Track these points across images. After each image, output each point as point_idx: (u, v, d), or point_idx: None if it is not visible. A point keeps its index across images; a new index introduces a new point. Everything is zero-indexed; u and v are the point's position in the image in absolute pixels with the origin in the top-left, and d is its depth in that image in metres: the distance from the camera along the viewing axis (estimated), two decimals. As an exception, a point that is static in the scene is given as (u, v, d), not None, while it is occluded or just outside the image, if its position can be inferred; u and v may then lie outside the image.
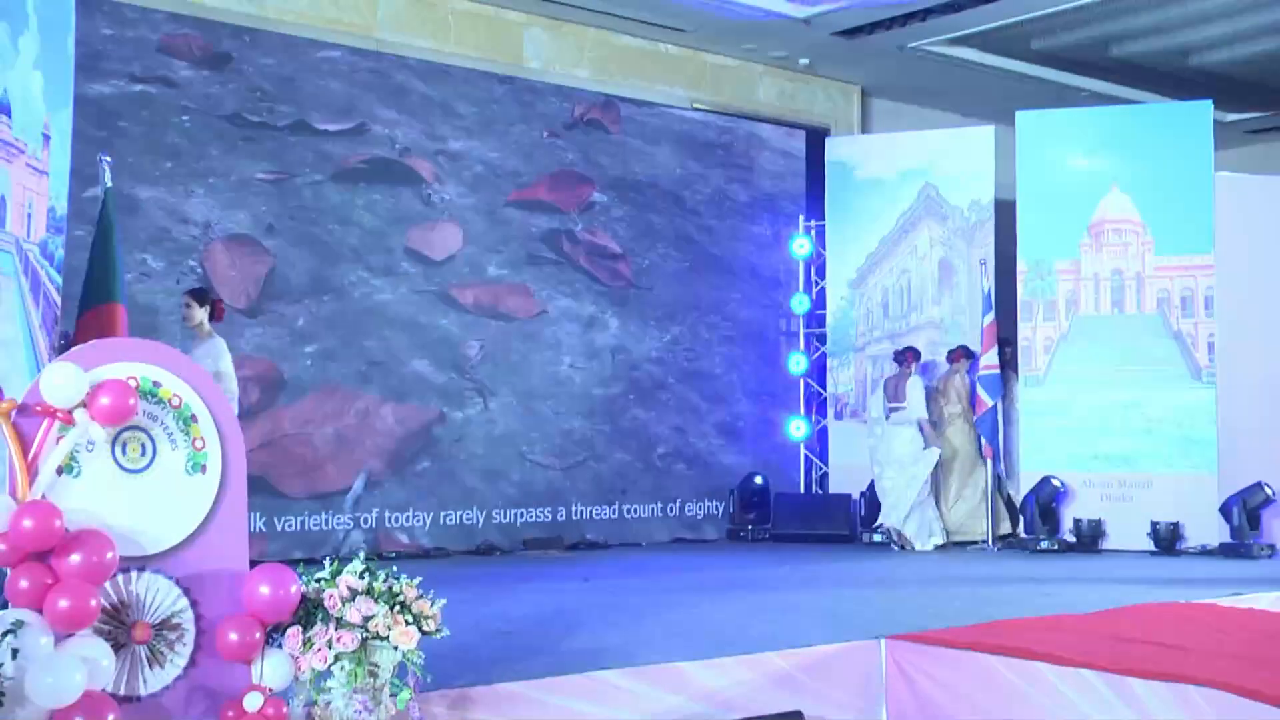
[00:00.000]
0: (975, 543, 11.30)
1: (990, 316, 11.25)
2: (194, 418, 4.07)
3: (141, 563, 3.93)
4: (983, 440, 11.18)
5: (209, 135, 9.59)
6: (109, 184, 7.05)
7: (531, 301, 11.11)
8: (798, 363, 12.60)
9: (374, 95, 10.35)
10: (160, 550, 3.96)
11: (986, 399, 11.12)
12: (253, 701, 3.94)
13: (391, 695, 4.08)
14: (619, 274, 11.67)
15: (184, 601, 3.98)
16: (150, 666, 3.92)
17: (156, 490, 3.97)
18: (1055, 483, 11.00)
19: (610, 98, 11.68)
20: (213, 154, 9.60)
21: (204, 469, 4.06)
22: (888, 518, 11.17)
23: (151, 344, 4.17)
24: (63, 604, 3.64)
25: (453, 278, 10.65)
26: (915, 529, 11.08)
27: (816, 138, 12.96)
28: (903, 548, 11.01)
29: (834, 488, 12.32)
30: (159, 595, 3.95)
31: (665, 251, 11.99)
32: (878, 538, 11.33)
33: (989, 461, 11.30)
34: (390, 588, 4.14)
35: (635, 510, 11.51)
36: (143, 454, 3.98)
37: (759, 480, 12.09)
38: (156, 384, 4.01)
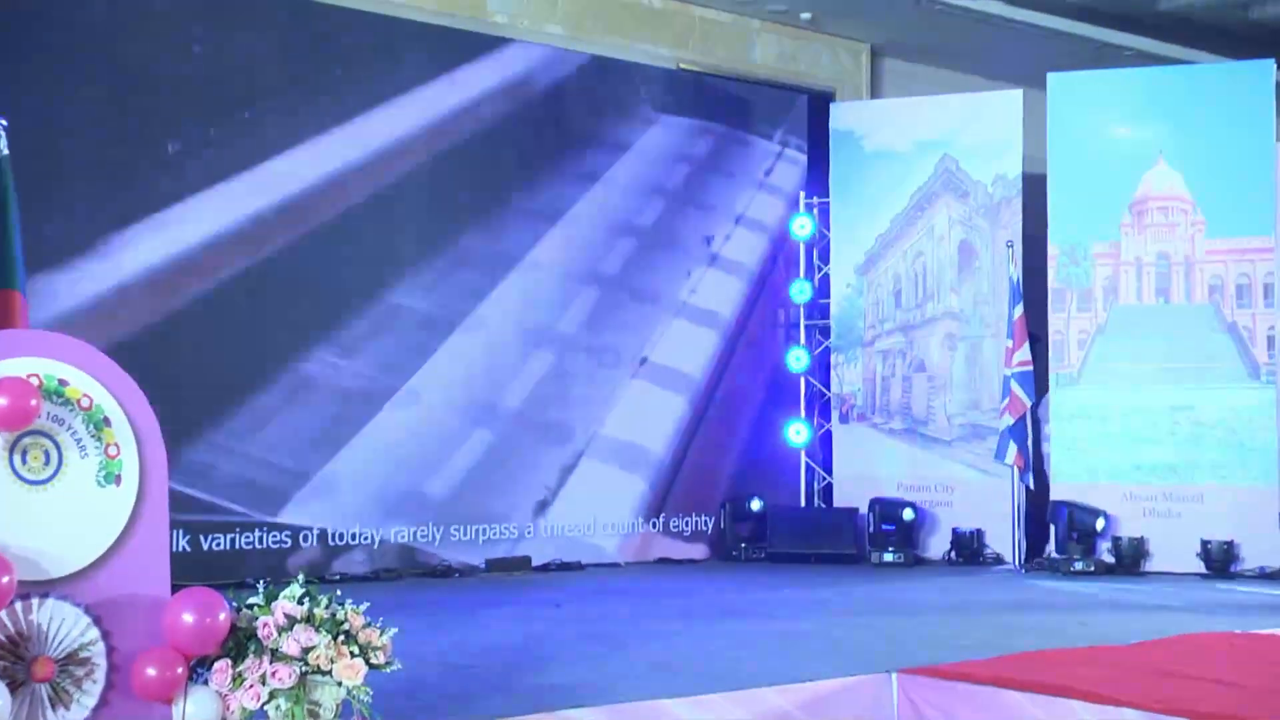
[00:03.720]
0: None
1: (1020, 308, 11.27)
2: (107, 421, 4.04)
3: (44, 588, 3.91)
4: (1013, 447, 11.17)
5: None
6: (4, 151, 6.98)
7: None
8: (798, 359, 12.61)
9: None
10: (66, 573, 3.94)
11: (1024, 398, 11.13)
12: (174, 746, 3.93)
13: (334, 738, 4.07)
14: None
15: (94, 632, 3.96)
16: (54, 708, 3.90)
17: (62, 504, 3.95)
18: (1099, 522, 11.03)
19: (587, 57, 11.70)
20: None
21: (118, 480, 4.04)
22: None
23: (58, 337, 4.14)
24: (-47, 635, 3.62)
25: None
26: None
27: (820, 103, 12.95)
28: None
29: (839, 501, 12.34)
30: (64, 625, 3.92)
31: (643, 232, 11.97)
32: (888, 557, 11.41)
33: (1018, 471, 11.30)
34: (333, 615, 4.13)
35: (613, 526, 11.49)
36: (46, 463, 3.95)
37: (753, 493, 12.11)
38: (63, 382, 3.99)
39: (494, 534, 10.83)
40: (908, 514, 11.74)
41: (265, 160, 10.05)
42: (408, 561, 10.39)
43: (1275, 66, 11.45)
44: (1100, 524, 11.06)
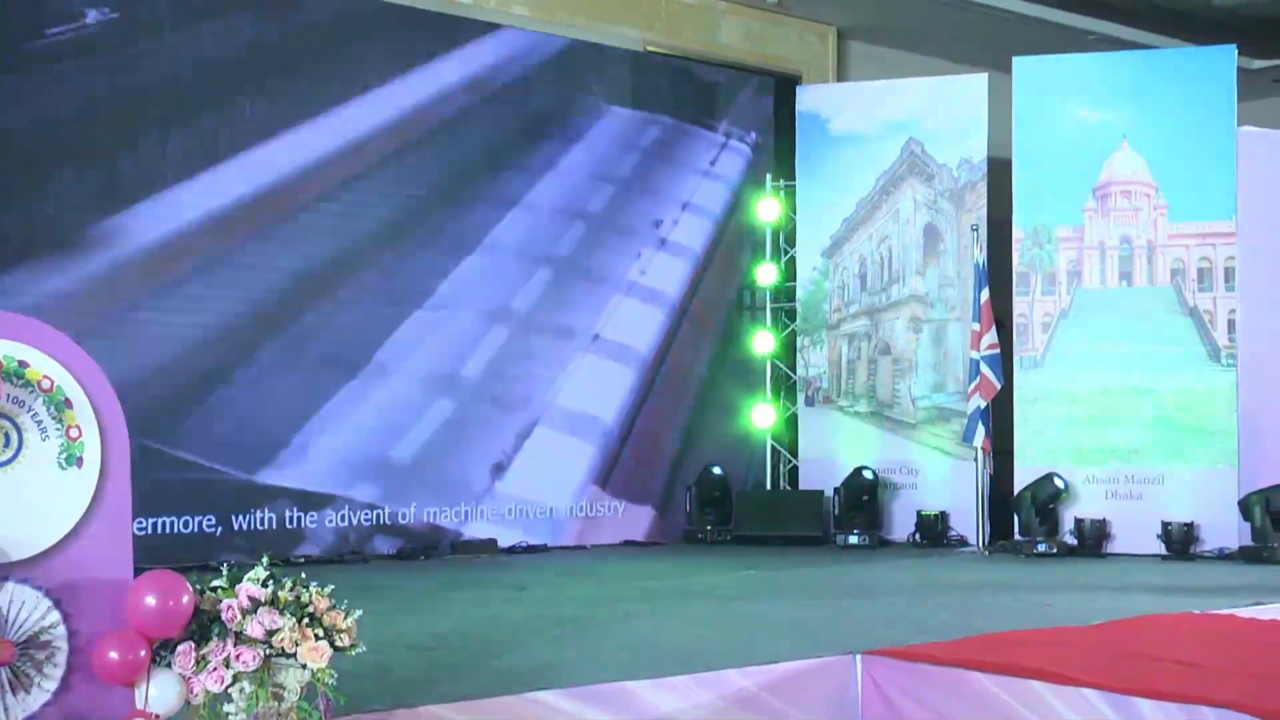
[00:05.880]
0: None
1: (986, 292, 11.30)
2: (68, 402, 4.01)
3: (4, 571, 3.88)
4: (981, 430, 11.22)
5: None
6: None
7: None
8: (764, 342, 12.61)
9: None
10: (26, 556, 3.90)
11: (995, 380, 11.18)
12: (136, 730, 3.91)
13: (299, 721, 4.06)
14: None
15: (55, 615, 3.93)
16: (14, 692, 3.87)
17: (22, 487, 3.91)
18: (1058, 482, 11.10)
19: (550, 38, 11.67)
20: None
21: (80, 462, 4.01)
22: None
23: (17, 318, 4.10)
24: (-89, 620, 3.59)
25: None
26: None
27: (786, 86, 12.96)
28: None
29: (804, 483, 12.38)
30: (24, 609, 3.89)
31: (603, 214, 11.96)
32: (853, 539, 11.48)
33: (987, 456, 11.34)
34: (298, 597, 4.11)
35: (578, 509, 11.50)
36: (6, 445, 3.92)
37: (719, 474, 12.12)
38: (23, 364, 3.95)
39: (456, 516, 10.85)
40: (866, 474, 11.74)
41: (240, 150, 10.15)
42: (371, 534, 10.45)
43: (1237, 52, 11.50)
44: (1059, 484, 11.10)
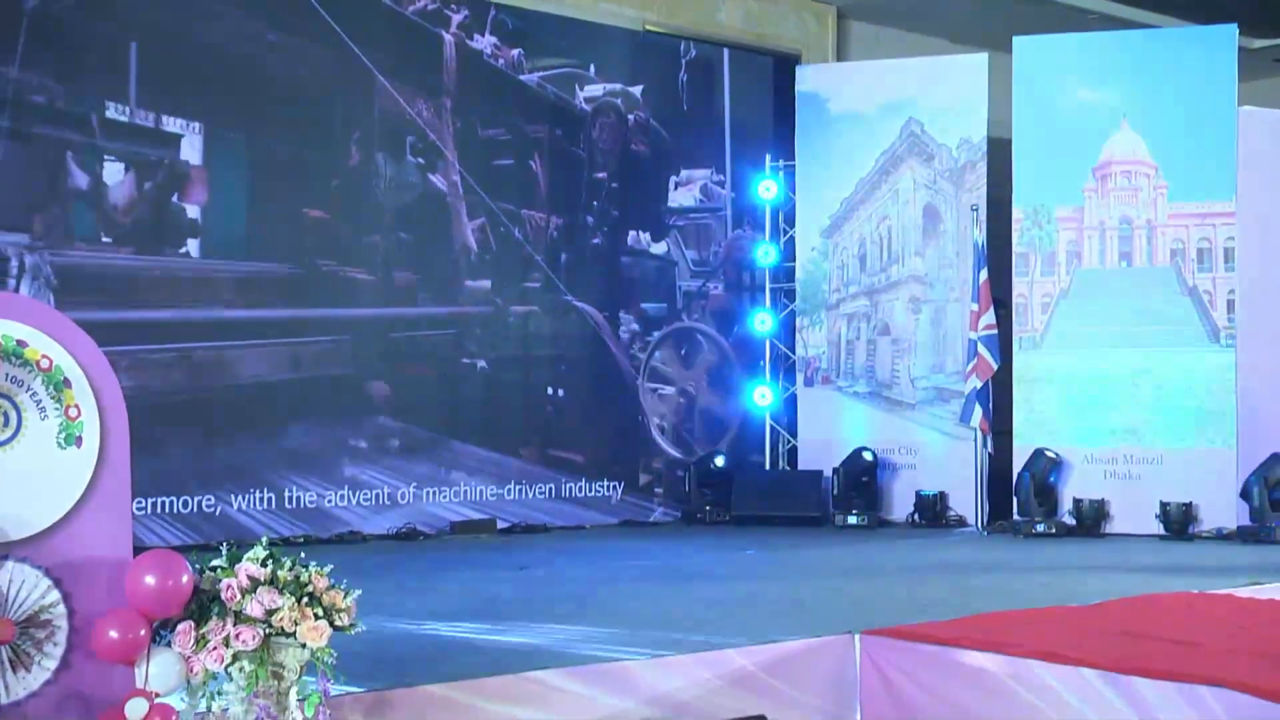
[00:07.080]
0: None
1: (984, 272, 11.30)
2: (67, 382, 4.00)
3: (4, 550, 3.88)
4: (978, 410, 11.23)
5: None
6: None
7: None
8: (763, 322, 12.61)
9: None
10: (26, 535, 3.90)
11: (992, 361, 11.18)
12: (136, 709, 3.90)
13: (299, 700, 4.06)
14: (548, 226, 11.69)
15: (55, 594, 3.93)
16: (14, 670, 3.87)
17: (22, 466, 3.91)
18: (1050, 455, 11.10)
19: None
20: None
21: (79, 441, 4.00)
22: None
23: (15, 297, 4.11)
24: (-89, 599, 3.59)
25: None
26: None
27: (785, 66, 12.92)
28: None
29: (803, 464, 12.38)
30: (24, 587, 3.89)
31: (603, 197, 11.95)
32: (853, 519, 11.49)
33: (985, 436, 11.35)
34: (297, 577, 4.11)
35: (578, 489, 11.52)
36: (5, 424, 3.91)
37: (718, 455, 12.13)
38: (21, 343, 3.95)
39: (458, 497, 10.87)
40: (865, 454, 11.74)
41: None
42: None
43: (1238, 31, 11.46)
44: (1051, 455, 11.10)
